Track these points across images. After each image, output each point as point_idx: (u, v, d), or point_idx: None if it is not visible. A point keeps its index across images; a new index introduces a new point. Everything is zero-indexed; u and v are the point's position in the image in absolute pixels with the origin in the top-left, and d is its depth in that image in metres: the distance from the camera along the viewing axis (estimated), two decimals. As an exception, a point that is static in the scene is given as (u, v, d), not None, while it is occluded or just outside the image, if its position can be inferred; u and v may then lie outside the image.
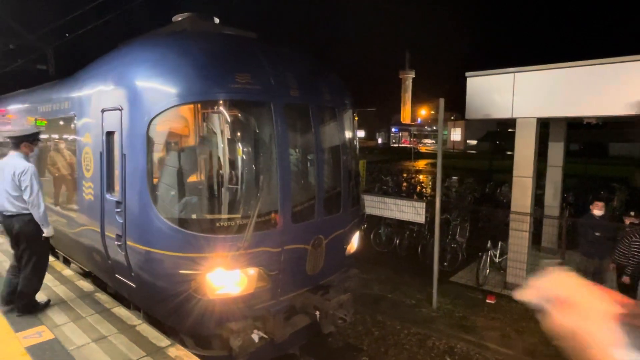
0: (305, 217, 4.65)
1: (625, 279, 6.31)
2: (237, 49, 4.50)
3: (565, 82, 7.07)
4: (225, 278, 4.10)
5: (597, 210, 6.76)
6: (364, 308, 7.06)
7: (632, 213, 6.53)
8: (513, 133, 7.87)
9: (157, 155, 4.16)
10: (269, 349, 4.58)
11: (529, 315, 6.93)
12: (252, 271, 4.22)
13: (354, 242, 5.49)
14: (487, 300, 7.43)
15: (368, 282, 8.15)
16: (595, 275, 6.83)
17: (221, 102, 4.01)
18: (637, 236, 6.24)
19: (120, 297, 5.10)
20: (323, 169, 4.91)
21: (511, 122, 7.90)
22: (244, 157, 4.19)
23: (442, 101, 7.02)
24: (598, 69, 6.74)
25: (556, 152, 9.96)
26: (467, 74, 8.09)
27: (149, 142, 4.11)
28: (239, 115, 4.20)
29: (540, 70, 7.32)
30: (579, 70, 6.93)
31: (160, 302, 4.40)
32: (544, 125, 9.45)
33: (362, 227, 9.51)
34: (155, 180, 4.16)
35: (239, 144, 4.16)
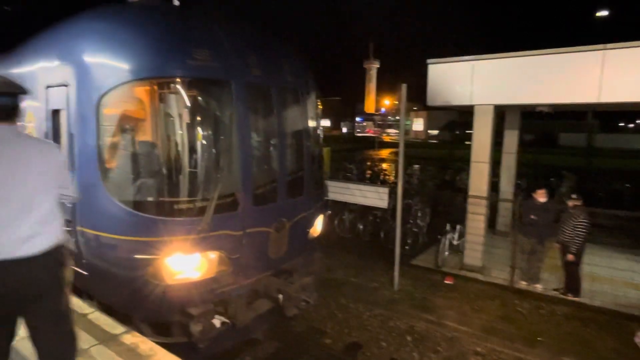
0: (268, 200, 4.58)
1: (570, 257, 6.74)
2: (194, 24, 4.29)
3: (519, 71, 7.35)
4: (185, 262, 3.97)
5: (540, 197, 7.18)
6: (328, 292, 7.12)
7: (574, 196, 6.95)
8: (472, 123, 8.12)
9: (108, 135, 3.93)
10: (231, 334, 4.51)
11: (484, 295, 7.27)
12: (213, 255, 4.11)
13: (317, 226, 5.49)
14: (446, 281, 7.71)
15: (332, 267, 8.22)
16: (531, 253, 7.32)
17: (177, 79, 3.82)
18: (582, 216, 6.66)
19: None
20: (285, 150, 4.83)
21: (470, 112, 8.14)
22: (202, 136, 4.03)
23: (404, 87, 7.11)
24: (549, 59, 7.06)
25: (511, 139, 10.42)
26: (428, 60, 8.23)
27: (99, 120, 3.87)
28: (197, 93, 4.02)
29: (496, 58, 7.57)
30: (532, 59, 7.22)
31: (115, 290, 4.21)
32: (501, 117, 9.84)
33: (326, 212, 9.56)
34: (106, 161, 3.93)
35: (197, 123, 4.00)
